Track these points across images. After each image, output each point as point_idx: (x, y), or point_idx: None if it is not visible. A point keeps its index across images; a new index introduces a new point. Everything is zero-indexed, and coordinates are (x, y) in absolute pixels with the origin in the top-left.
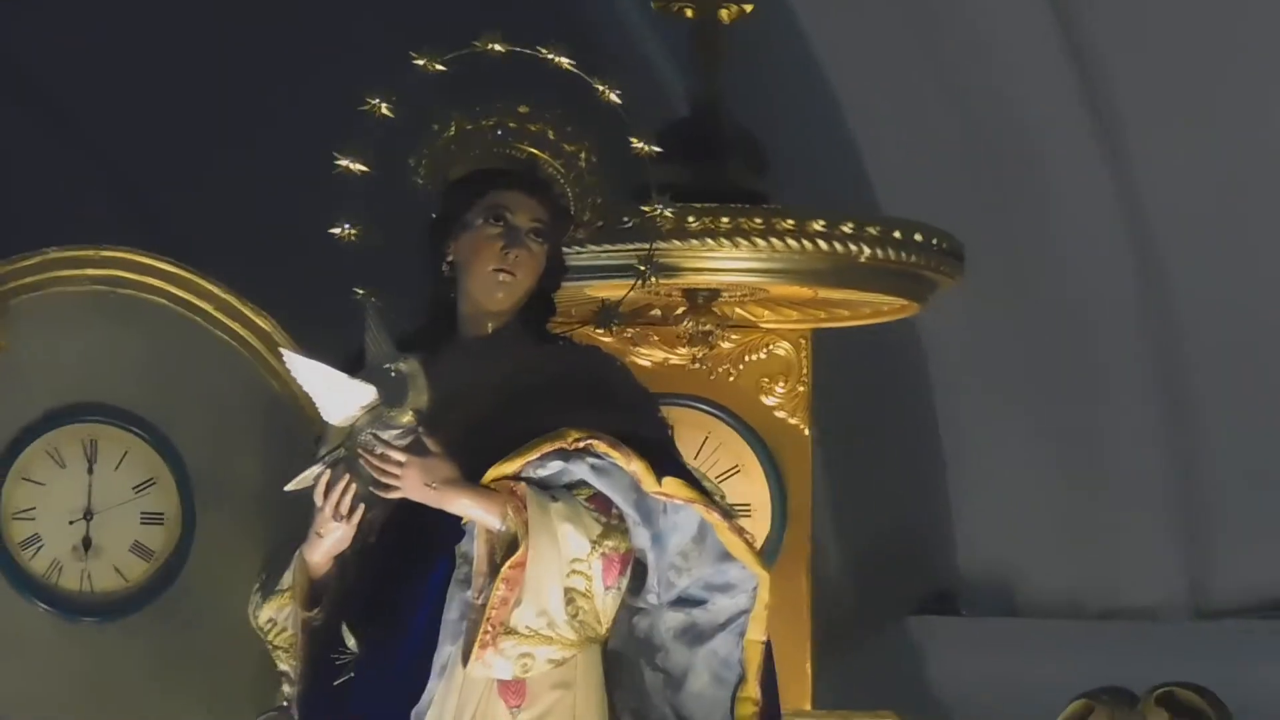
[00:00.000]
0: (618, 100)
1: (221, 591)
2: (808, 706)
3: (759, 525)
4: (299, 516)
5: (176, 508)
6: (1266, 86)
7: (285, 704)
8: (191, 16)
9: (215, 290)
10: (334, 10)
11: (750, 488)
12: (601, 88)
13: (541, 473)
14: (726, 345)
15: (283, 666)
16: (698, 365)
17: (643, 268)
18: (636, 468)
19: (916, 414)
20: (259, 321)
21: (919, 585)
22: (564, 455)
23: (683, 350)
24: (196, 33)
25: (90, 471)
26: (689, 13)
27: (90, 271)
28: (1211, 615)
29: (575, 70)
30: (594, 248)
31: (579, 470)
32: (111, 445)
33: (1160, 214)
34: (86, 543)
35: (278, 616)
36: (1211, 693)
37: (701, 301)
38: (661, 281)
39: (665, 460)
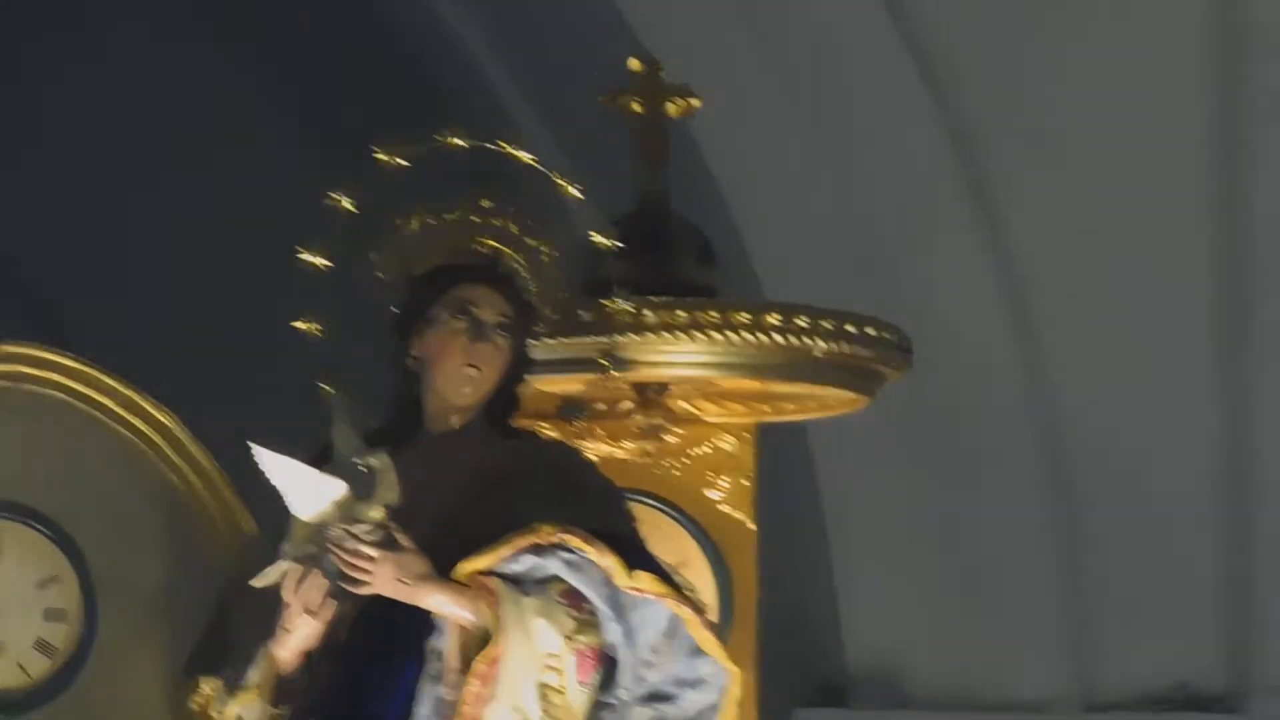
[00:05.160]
0: (579, 195)
1: (124, 688)
2: None
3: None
4: (201, 613)
5: (79, 604)
6: (1145, 169)
7: None
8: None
9: (116, 385)
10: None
11: (696, 582)
12: (562, 182)
13: (515, 568)
14: (671, 439)
15: None
16: (649, 459)
17: (605, 362)
18: (609, 562)
19: (804, 507)
20: (160, 417)
21: (807, 678)
22: (537, 550)
23: (628, 444)
24: (124, 129)
25: None
26: (636, 107)
27: None
28: (1100, 708)
29: (536, 165)
30: (549, 341)
31: (552, 565)
32: (14, 541)
33: (1045, 308)
34: None
35: (245, 714)
36: None
37: (652, 395)
38: (616, 375)
39: (636, 554)
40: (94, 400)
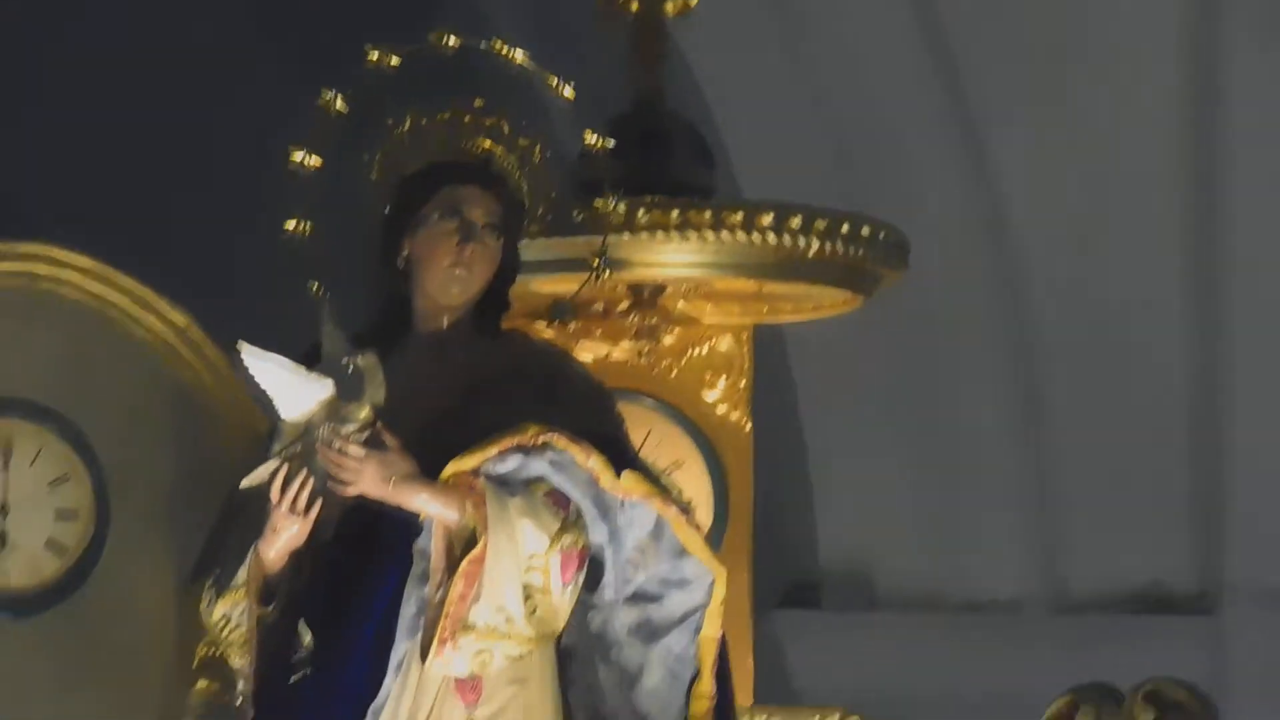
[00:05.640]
0: (571, 95)
1: (135, 587)
2: (749, 702)
3: (700, 520)
4: (213, 513)
5: (90, 503)
6: (1121, 64)
7: (240, 700)
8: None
9: (131, 284)
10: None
11: (691, 483)
12: (555, 82)
13: (500, 468)
14: (668, 340)
15: (236, 663)
16: (643, 359)
17: (596, 262)
18: (594, 463)
19: (779, 409)
20: (174, 317)
21: (780, 580)
22: (523, 450)
23: (625, 345)
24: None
25: (5, 467)
26: (634, 6)
27: (6, 266)
28: (1072, 609)
29: (530, 65)
30: (542, 241)
31: (538, 466)
32: (26, 441)
33: (1017, 216)
34: (2, 539)
35: (231, 613)
36: (1200, 689)
37: (648, 296)
38: (610, 275)
39: (622, 456)
40: (108, 300)
